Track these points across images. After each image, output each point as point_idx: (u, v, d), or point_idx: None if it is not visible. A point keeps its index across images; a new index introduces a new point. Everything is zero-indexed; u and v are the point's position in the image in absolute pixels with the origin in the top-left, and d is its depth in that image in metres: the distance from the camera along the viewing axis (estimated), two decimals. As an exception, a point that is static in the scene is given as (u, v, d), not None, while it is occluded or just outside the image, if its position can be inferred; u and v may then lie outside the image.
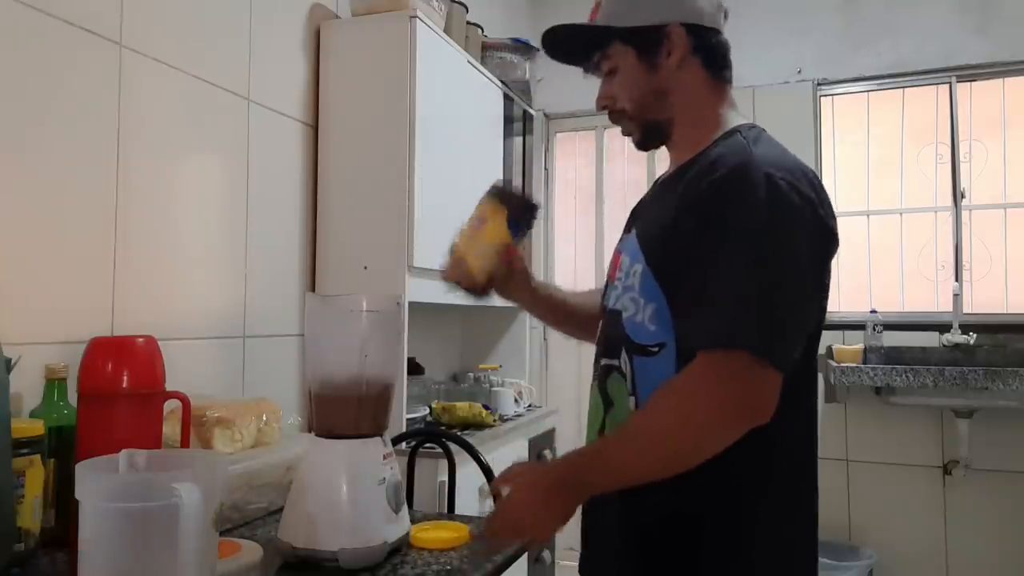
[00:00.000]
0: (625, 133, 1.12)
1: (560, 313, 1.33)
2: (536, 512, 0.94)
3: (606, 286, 1.15)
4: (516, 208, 1.19)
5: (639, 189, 1.82)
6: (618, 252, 1.12)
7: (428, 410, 2.26)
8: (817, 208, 0.94)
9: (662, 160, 1.17)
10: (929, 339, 2.89)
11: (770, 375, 0.88)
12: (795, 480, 1.01)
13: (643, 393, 0.99)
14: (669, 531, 0.98)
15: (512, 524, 0.96)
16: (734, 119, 1.07)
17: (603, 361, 1.08)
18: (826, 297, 0.99)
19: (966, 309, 2.92)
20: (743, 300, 0.88)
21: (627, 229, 1.14)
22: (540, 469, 1.03)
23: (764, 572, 0.98)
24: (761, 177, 0.91)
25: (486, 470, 1.68)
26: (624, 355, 1.02)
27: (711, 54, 1.06)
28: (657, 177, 1.22)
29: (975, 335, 2.77)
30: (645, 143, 1.12)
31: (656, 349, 0.98)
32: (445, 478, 1.76)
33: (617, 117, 1.10)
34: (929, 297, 3.02)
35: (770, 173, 0.92)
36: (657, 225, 1.02)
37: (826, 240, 0.97)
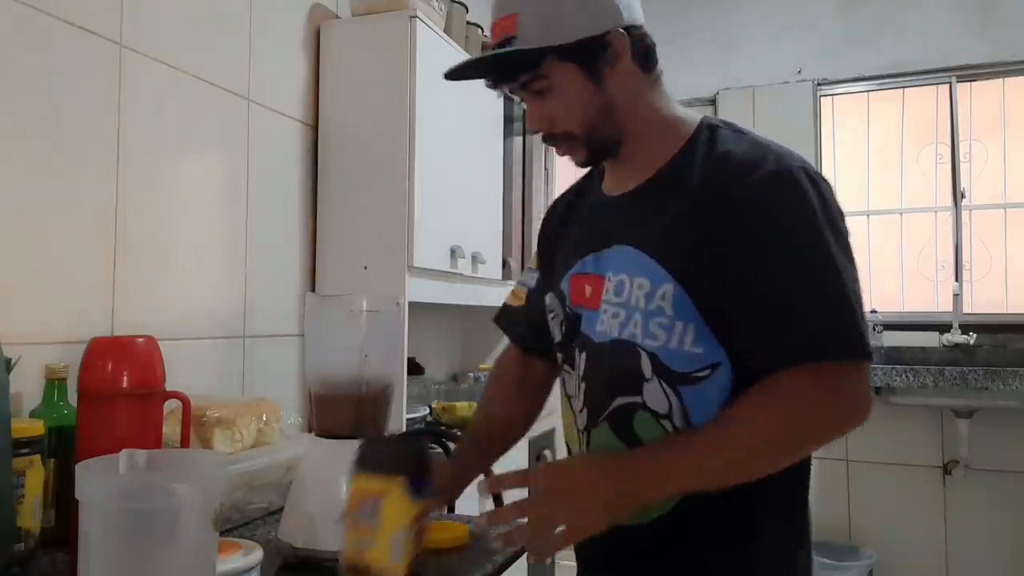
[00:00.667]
0: (564, 153, 1.01)
1: (495, 451, 1.18)
2: (592, 491, 0.84)
3: (573, 316, 1.02)
4: (411, 466, 0.90)
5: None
6: (593, 273, 0.99)
7: (428, 410, 2.26)
8: (835, 193, 0.93)
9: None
10: (929, 339, 2.89)
11: (868, 370, 0.87)
12: (801, 491, 0.98)
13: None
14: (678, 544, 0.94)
15: (557, 497, 0.85)
16: (689, 112, 1.01)
17: (618, 400, 0.94)
18: None
19: (966, 309, 2.92)
20: (836, 306, 0.84)
21: (592, 247, 1.01)
22: (601, 457, 0.92)
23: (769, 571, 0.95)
24: (800, 175, 0.88)
25: (486, 470, 1.68)
26: (659, 389, 0.91)
27: (646, 52, 0.97)
28: (576, 186, 1.14)
29: (975, 335, 2.77)
30: (591, 162, 1.02)
31: (705, 373, 0.89)
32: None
33: (557, 139, 0.99)
34: (929, 297, 3.02)
35: (804, 167, 0.90)
36: (677, 239, 0.91)
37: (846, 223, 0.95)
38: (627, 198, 1.00)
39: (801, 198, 0.87)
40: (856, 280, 0.87)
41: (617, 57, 0.93)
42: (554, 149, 1.02)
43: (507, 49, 0.92)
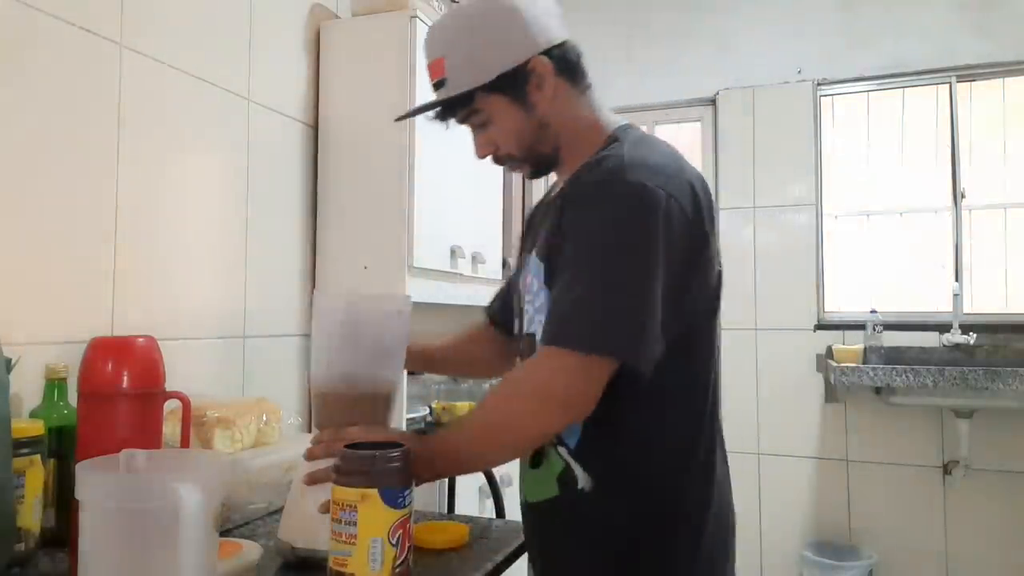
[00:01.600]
0: (512, 170, 1.14)
1: (452, 364, 1.39)
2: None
3: (520, 311, 1.14)
4: (386, 476, 0.88)
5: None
6: (527, 275, 1.11)
7: (428, 410, 2.26)
8: (686, 209, 0.95)
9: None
10: (929, 339, 2.89)
11: (593, 370, 0.91)
12: (706, 461, 1.04)
13: None
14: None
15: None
16: (611, 121, 1.09)
17: None
18: (697, 295, 1.00)
19: (966, 309, 2.92)
20: (576, 303, 0.92)
21: (526, 249, 1.14)
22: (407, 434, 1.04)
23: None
24: (624, 183, 0.94)
25: (486, 470, 1.68)
26: None
27: (571, 68, 1.06)
28: (547, 193, 1.24)
29: (975, 335, 2.77)
30: (536, 175, 1.13)
31: None
32: (445, 478, 1.76)
33: (503, 161, 1.10)
34: (929, 297, 3.02)
35: (636, 178, 0.94)
36: (546, 241, 1.04)
37: (696, 241, 0.98)
38: (548, 204, 1.14)
39: (598, 205, 0.95)
40: (625, 284, 0.91)
41: (541, 80, 1.02)
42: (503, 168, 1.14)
43: (441, 95, 1.05)
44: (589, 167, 1.01)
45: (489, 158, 1.12)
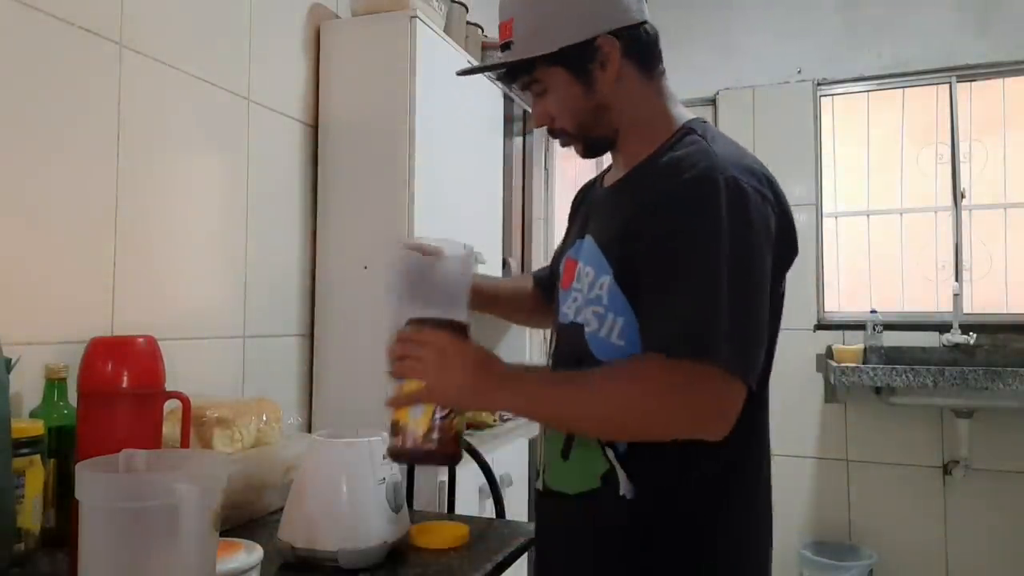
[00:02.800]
0: (565, 146, 1.07)
1: (498, 306, 1.35)
2: (456, 369, 0.90)
3: (557, 294, 1.09)
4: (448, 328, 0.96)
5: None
6: (572, 259, 1.05)
7: (428, 410, 2.25)
8: (778, 213, 0.92)
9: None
10: (929, 339, 2.89)
11: (738, 390, 0.84)
12: (751, 483, 0.98)
13: None
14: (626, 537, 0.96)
15: (420, 362, 0.91)
16: (681, 113, 1.03)
17: None
18: (781, 304, 0.98)
19: (966, 309, 2.92)
20: (715, 311, 0.83)
21: (578, 233, 1.08)
22: (484, 354, 0.94)
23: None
24: (726, 182, 0.87)
25: (486, 470, 1.69)
26: None
27: (643, 52, 1.00)
28: (599, 174, 1.18)
29: (975, 335, 2.77)
30: (589, 155, 1.07)
31: None
32: (445, 478, 1.76)
33: (556, 135, 1.05)
34: (929, 297, 3.02)
35: (735, 177, 0.88)
36: (617, 231, 0.96)
37: (787, 246, 0.95)
38: (607, 191, 1.07)
39: (707, 206, 0.86)
40: (746, 291, 0.85)
41: (607, 60, 0.97)
42: (557, 142, 1.07)
43: (506, 58, 1.00)
44: (672, 162, 0.93)
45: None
